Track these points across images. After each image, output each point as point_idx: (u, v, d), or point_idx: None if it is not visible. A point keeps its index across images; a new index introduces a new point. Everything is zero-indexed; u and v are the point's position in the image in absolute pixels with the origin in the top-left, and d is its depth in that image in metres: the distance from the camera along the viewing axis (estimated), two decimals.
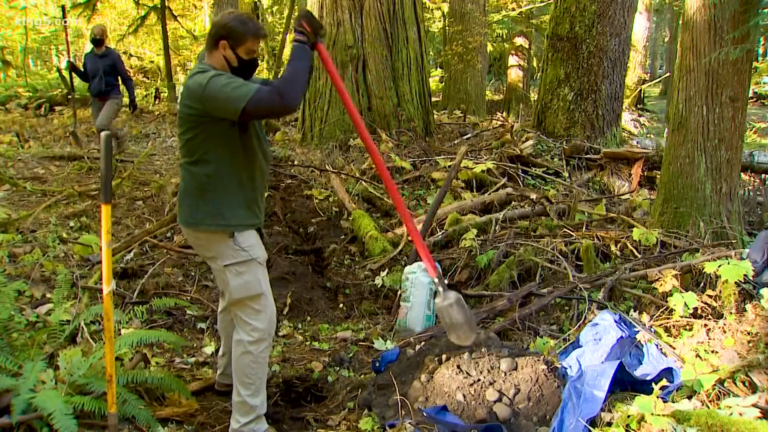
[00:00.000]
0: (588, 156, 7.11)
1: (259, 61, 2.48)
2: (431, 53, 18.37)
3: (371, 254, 4.67)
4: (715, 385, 2.45)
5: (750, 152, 6.84)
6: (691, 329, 3.05)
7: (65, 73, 7.88)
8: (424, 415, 2.41)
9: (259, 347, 2.46)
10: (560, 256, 4.01)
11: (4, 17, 15.40)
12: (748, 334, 2.78)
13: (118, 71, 6.95)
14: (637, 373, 2.74)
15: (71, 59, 7.04)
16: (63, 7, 8.04)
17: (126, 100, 7.49)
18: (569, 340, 3.05)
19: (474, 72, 12.82)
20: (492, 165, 6.29)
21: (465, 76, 12.84)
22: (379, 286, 4.25)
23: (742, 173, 5.66)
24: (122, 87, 7.25)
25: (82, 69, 6.96)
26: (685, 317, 3.10)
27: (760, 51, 24.88)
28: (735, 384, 2.49)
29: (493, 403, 2.41)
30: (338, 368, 3.26)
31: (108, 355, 2.21)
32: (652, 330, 3.03)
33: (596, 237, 4.34)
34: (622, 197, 6.17)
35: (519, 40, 15.70)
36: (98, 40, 6.81)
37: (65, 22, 7.82)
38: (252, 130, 2.38)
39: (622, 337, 2.84)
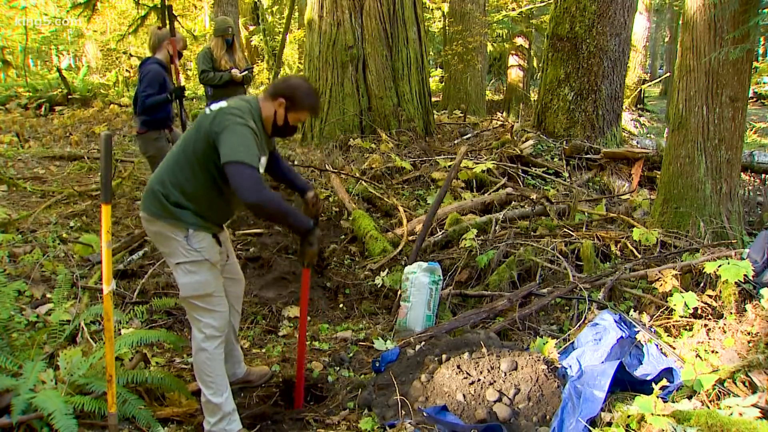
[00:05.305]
0: (588, 156, 7.11)
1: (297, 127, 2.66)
2: (431, 53, 18.36)
3: (371, 254, 4.67)
4: (715, 385, 2.45)
5: (750, 152, 6.84)
6: (691, 329, 3.05)
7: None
8: (424, 415, 2.41)
9: (212, 344, 2.53)
10: (560, 256, 4.01)
11: (4, 17, 15.39)
12: (748, 334, 2.78)
13: None
14: (637, 373, 2.74)
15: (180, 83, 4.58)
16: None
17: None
18: (569, 340, 3.05)
19: (474, 72, 12.82)
20: (492, 165, 6.29)
21: (465, 76, 12.84)
22: (379, 286, 4.24)
23: (742, 173, 5.66)
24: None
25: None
26: (685, 317, 3.10)
27: (760, 51, 24.87)
28: (735, 384, 2.49)
29: (493, 403, 2.41)
30: (338, 368, 3.26)
31: (108, 355, 2.22)
32: (652, 330, 3.03)
33: (596, 237, 4.33)
34: (622, 197, 6.17)
35: (519, 40, 15.69)
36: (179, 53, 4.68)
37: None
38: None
39: (622, 337, 2.84)
